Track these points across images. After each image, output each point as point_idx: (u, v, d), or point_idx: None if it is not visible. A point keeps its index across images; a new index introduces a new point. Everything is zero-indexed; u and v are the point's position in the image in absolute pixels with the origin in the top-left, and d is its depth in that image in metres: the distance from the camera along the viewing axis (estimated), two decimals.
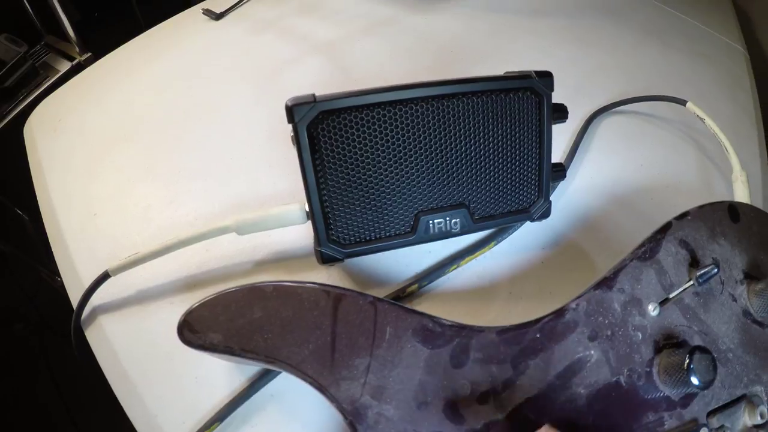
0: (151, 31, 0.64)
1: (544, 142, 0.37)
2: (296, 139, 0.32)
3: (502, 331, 0.31)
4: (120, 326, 0.34)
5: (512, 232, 0.40)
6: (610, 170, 0.46)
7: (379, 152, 0.33)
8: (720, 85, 0.55)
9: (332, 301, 0.30)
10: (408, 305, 0.35)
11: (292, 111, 0.31)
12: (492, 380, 0.29)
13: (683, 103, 0.49)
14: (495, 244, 0.39)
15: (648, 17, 0.66)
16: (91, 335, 0.34)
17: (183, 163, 0.44)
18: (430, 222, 0.35)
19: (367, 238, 0.35)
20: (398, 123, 0.33)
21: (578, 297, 0.32)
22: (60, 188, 0.43)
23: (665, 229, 0.35)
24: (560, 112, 0.38)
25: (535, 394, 0.30)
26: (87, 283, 0.35)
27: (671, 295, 0.34)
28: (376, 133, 0.33)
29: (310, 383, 0.28)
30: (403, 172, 0.34)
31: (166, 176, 0.43)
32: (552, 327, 0.31)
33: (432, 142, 0.34)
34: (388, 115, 0.33)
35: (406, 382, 0.29)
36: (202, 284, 0.35)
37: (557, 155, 0.46)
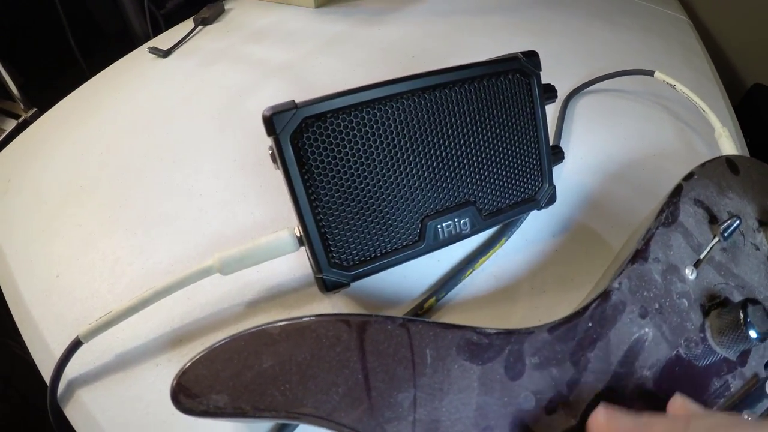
0: (96, 77, 0.56)
1: (539, 124, 0.33)
2: (278, 154, 0.26)
3: (553, 327, 0.26)
4: (103, 398, 0.27)
5: (520, 225, 0.35)
6: (597, 148, 0.43)
7: (374, 156, 0.28)
8: (674, 54, 0.55)
9: (356, 332, 0.24)
10: None
11: (272, 121, 0.26)
12: (555, 384, 0.24)
13: (651, 73, 0.47)
14: (506, 240, 0.34)
15: (590, 2, 0.66)
16: (71, 412, 0.27)
17: (149, 208, 0.38)
18: (438, 226, 0.30)
19: (373, 254, 0.29)
20: (391, 121, 0.28)
21: (618, 275, 0.28)
22: (16, 253, 0.36)
23: (677, 192, 0.32)
24: (550, 92, 0.34)
25: (602, 389, 0.25)
26: (58, 353, 0.28)
27: (702, 255, 0.30)
28: (369, 134, 0.28)
29: None
30: (403, 175, 0.29)
31: (132, 225, 0.36)
32: (602, 312, 0.26)
33: (429, 138, 0.29)
34: (378, 113, 0.28)
35: (462, 410, 0.23)
36: (189, 338, 0.29)
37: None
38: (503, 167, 0.32)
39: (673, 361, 0.26)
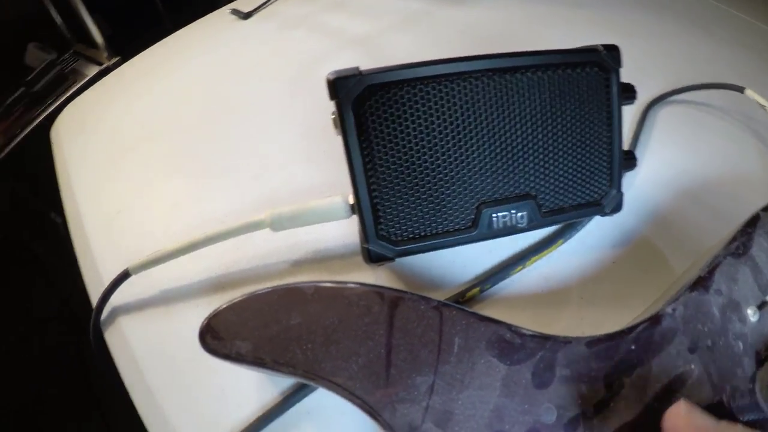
0: (178, 32, 0.58)
1: (614, 124, 0.30)
2: (340, 119, 0.26)
3: (593, 342, 0.24)
4: (141, 329, 0.28)
5: (580, 229, 0.33)
6: (674, 162, 0.39)
7: (436, 133, 0.27)
8: None
9: (387, 306, 0.23)
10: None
11: (336, 85, 0.25)
12: (582, 403, 0.23)
13: (741, 90, 0.42)
14: (563, 242, 0.32)
15: (689, 8, 0.59)
16: (111, 337, 0.29)
17: (213, 160, 0.39)
18: (494, 215, 0.29)
19: (422, 233, 0.28)
20: (458, 99, 0.27)
21: (673, 300, 0.25)
22: (84, 187, 0.38)
23: (754, 222, 0.29)
24: (629, 92, 0.31)
25: (630, 421, 0.23)
26: (108, 281, 0.29)
27: (766, 298, 0.27)
28: (433, 110, 0.27)
29: (359, 405, 0.22)
30: (464, 156, 0.27)
31: (195, 173, 0.38)
32: (648, 336, 0.24)
33: (495, 122, 0.28)
34: (445, 89, 0.27)
35: (478, 407, 0.22)
36: (232, 286, 0.29)
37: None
38: (570, 164, 0.30)
39: (713, 408, 0.23)
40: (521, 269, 0.31)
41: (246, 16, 0.58)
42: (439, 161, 0.27)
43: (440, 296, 0.29)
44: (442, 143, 0.27)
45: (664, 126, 0.42)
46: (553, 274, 0.31)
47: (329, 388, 0.22)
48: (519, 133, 0.28)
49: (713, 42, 0.53)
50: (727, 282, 0.26)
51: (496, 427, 0.22)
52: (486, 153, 0.28)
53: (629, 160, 0.32)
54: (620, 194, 0.31)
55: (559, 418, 0.22)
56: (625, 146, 0.39)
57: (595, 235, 0.33)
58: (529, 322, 0.29)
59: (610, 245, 0.33)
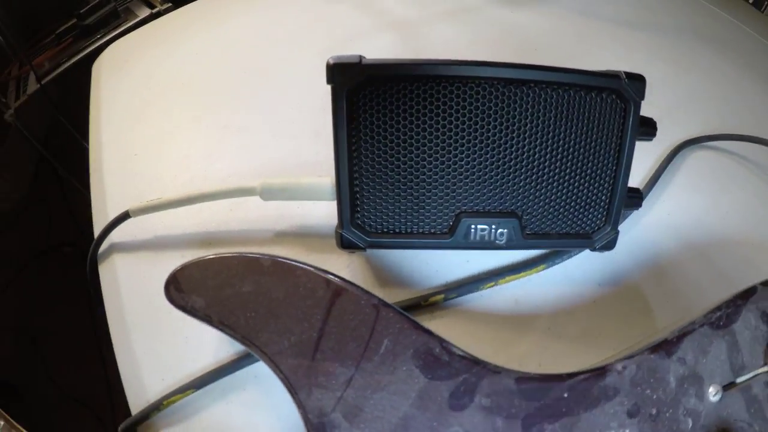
0: None
1: (623, 159, 0.28)
2: (333, 104, 0.26)
3: (524, 378, 0.23)
4: (130, 267, 0.31)
5: (567, 258, 0.31)
6: (691, 211, 0.36)
7: (427, 133, 0.26)
8: None
9: (331, 293, 0.24)
10: (425, 317, 0.29)
11: (334, 70, 0.25)
12: None
13: None
14: (545, 268, 0.31)
15: (753, 52, 0.52)
16: (103, 270, 0.31)
17: (230, 119, 0.40)
18: (473, 226, 0.28)
19: (397, 230, 0.28)
20: (456, 103, 0.26)
21: (628, 357, 0.24)
22: (110, 125, 0.41)
23: (748, 294, 0.26)
24: (648, 127, 0.29)
25: None
26: (112, 217, 0.31)
27: (739, 380, 0.25)
28: (427, 110, 0.26)
29: (281, 379, 0.23)
30: (451, 162, 0.27)
31: (210, 129, 0.39)
32: (586, 388, 0.23)
33: (492, 133, 0.27)
34: (445, 92, 0.26)
35: (388, 411, 0.22)
36: (218, 243, 0.31)
37: (634, 181, 0.37)
38: (564, 190, 0.28)
39: None
40: (493, 285, 0.30)
41: None
42: (424, 162, 0.27)
43: (404, 295, 0.29)
44: (431, 145, 0.27)
45: (691, 170, 0.38)
46: (525, 297, 0.30)
47: (260, 356, 0.23)
48: (514, 148, 0.27)
49: None
50: (694, 352, 0.25)
51: None
52: (475, 163, 0.27)
53: (634, 199, 0.30)
54: (615, 232, 0.29)
55: None
56: (641, 184, 0.36)
57: (583, 268, 0.31)
58: (487, 340, 0.28)
59: (596, 282, 0.31)
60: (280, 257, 0.25)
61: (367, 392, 0.22)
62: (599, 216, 0.29)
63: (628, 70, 0.38)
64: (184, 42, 0.49)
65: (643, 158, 0.38)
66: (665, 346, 0.24)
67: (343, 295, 0.24)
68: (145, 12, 0.93)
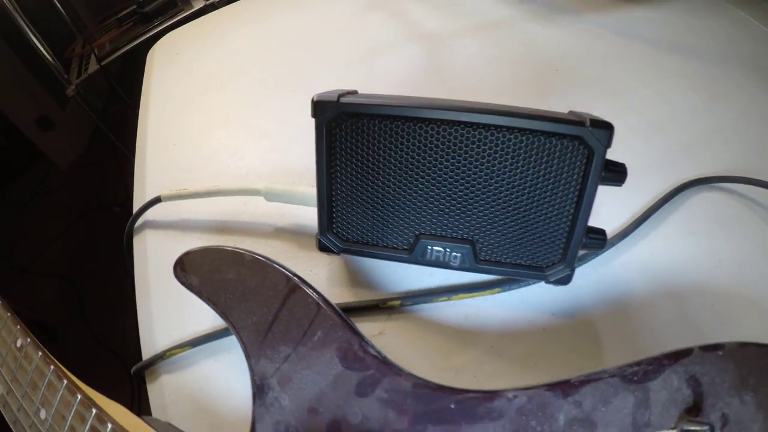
0: None
1: (584, 203, 0.29)
2: (316, 133, 0.31)
3: (421, 384, 0.27)
4: (157, 242, 0.39)
5: (524, 286, 0.33)
6: (678, 255, 0.35)
7: (391, 164, 0.31)
8: None
9: (288, 288, 0.30)
10: (383, 317, 0.34)
11: (316, 107, 0.30)
12: (383, 424, 0.27)
13: None
14: (499, 291, 0.33)
15: None
16: (137, 242, 0.40)
17: (258, 120, 0.46)
18: (429, 247, 0.32)
19: (365, 241, 0.33)
20: (418, 141, 0.30)
21: (524, 388, 0.26)
22: (156, 114, 0.48)
23: (680, 355, 0.27)
24: (615, 173, 0.29)
25: None
26: (150, 197, 0.40)
27: None
28: (392, 146, 0.30)
29: (242, 348, 0.30)
30: (412, 191, 0.31)
31: (240, 128, 0.46)
32: (472, 406, 0.26)
33: (449, 169, 0.30)
34: (407, 131, 0.30)
35: (309, 385, 0.28)
36: (228, 231, 0.38)
37: (624, 217, 0.37)
38: (519, 226, 0.30)
39: None
40: (446, 300, 0.33)
41: None
42: (389, 187, 0.31)
43: (369, 295, 0.34)
44: (396, 175, 0.31)
45: (693, 211, 0.37)
46: (476, 316, 0.33)
47: (230, 328, 0.30)
48: (471, 183, 0.30)
49: None
50: (594, 400, 0.26)
51: (313, 404, 0.28)
52: (434, 193, 0.31)
53: (595, 240, 0.31)
54: (570, 269, 0.31)
55: (360, 424, 0.27)
56: (630, 220, 0.36)
57: (539, 297, 0.33)
58: (431, 347, 0.32)
59: (550, 311, 0.33)
60: (258, 255, 0.31)
61: (297, 368, 0.28)
62: (555, 252, 0.31)
63: (650, 96, 0.37)
64: (225, 40, 0.56)
65: (641, 192, 0.37)
66: (564, 387, 0.26)
67: (297, 291, 0.30)
68: (200, 2, 0.97)
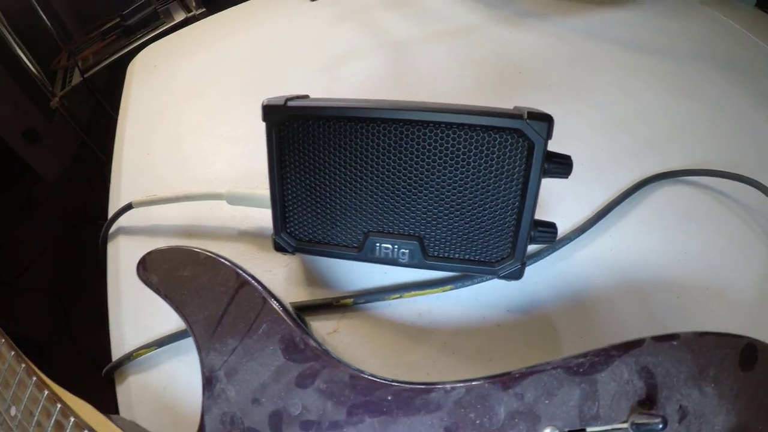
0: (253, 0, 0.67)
1: (529, 196, 0.29)
2: (267, 137, 0.32)
3: (357, 375, 0.27)
4: (129, 247, 0.40)
5: (476, 282, 0.33)
6: (642, 249, 0.34)
7: (338, 164, 0.32)
8: None
9: (237, 284, 0.31)
10: (337, 315, 0.34)
11: (265, 111, 0.32)
12: (322, 414, 0.27)
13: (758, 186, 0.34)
14: (451, 288, 0.33)
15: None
16: (110, 247, 0.41)
17: (229, 128, 0.48)
18: (378, 244, 0.32)
19: (318, 240, 0.34)
20: (362, 141, 0.31)
21: (462, 381, 0.26)
22: (133, 123, 0.50)
23: (631, 346, 0.26)
24: (559, 165, 0.29)
25: None
26: (123, 203, 0.41)
27: (589, 429, 0.24)
28: (337, 146, 0.31)
29: (194, 342, 0.30)
30: (359, 190, 0.32)
31: (212, 136, 0.47)
32: (409, 398, 0.26)
33: (394, 167, 0.31)
34: (351, 131, 0.31)
35: (253, 377, 0.28)
36: (195, 235, 0.39)
37: (585, 212, 0.36)
38: (465, 221, 0.31)
39: None
40: (398, 297, 0.33)
41: None
42: (336, 188, 0.32)
43: (323, 294, 0.35)
44: (342, 174, 0.31)
45: (654, 205, 0.36)
46: (429, 312, 0.33)
47: (184, 323, 0.31)
48: (415, 180, 0.30)
49: None
50: (536, 392, 0.25)
51: (257, 395, 0.28)
52: (381, 191, 0.31)
53: (545, 234, 0.31)
54: (520, 264, 0.30)
55: (300, 415, 0.27)
56: (591, 214, 0.35)
57: (494, 294, 0.33)
58: (385, 346, 0.32)
59: (505, 308, 0.32)
60: (212, 253, 0.32)
61: (243, 360, 0.29)
62: (504, 247, 0.31)
63: (617, 95, 0.37)
64: (202, 52, 0.58)
65: (606, 187, 0.37)
66: (504, 379, 0.26)
67: (245, 286, 0.30)
68: (181, 15, 1.00)
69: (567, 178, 0.30)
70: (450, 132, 0.29)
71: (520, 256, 0.30)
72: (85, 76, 1.00)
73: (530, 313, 0.32)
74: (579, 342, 0.30)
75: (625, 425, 0.24)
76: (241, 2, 0.67)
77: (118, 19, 1.07)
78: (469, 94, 0.47)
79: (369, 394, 0.26)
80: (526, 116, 0.28)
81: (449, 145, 0.29)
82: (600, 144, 0.39)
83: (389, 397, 0.26)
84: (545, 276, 0.33)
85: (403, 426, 0.26)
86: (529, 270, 0.33)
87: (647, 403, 0.24)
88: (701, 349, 0.25)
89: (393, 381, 0.26)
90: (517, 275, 0.31)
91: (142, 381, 0.34)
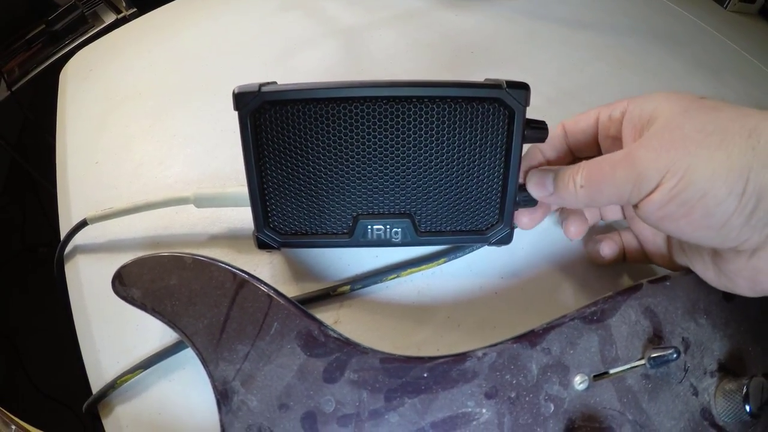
0: None
1: (512, 162, 0.31)
2: (240, 127, 0.30)
3: (387, 359, 0.27)
4: (90, 267, 0.37)
5: (468, 252, 0.35)
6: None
7: (320, 148, 0.31)
8: None
9: (236, 285, 0.29)
10: (335, 305, 0.33)
11: (237, 98, 0.30)
12: (359, 405, 0.26)
13: None
14: (445, 261, 0.35)
15: (705, 48, 0.52)
16: (68, 270, 0.37)
17: (180, 128, 0.45)
18: (369, 227, 0.32)
19: (304, 231, 0.33)
20: (343, 121, 0.31)
21: (492, 345, 0.27)
22: (75, 133, 0.46)
23: (632, 290, 0.28)
24: (537, 130, 0.31)
25: None
26: (75, 222, 0.37)
27: (612, 371, 0.26)
28: (319, 128, 0.31)
29: (197, 355, 0.28)
30: (344, 172, 0.31)
31: (163, 138, 0.44)
32: (445, 371, 0.27)
33: (379, 145, 0.31)
34: (332, 111, 0.30)
35: (275, 380, 0.27)
36: (163, 245, 0.37)
37: None
38: (454, 193, 0.32)
39: None
40: (395, 277, 0.34)
41: None
42: (321, 173, 0.31)
43: (317, 286, 0.34)
44: (326, 158, 0.31)
45: None
46: (428, 289, 0.34)
47: (181, 336, 0.29)
48: (402, 157, 0.31)
49: (718, 89, 0.47)
50: (561, 345, 0.27)
51: (283, 399, 0.27)
52: (367, 171, 0.31)
53: (529, 198, 0.32)
54: (509, 229, 0.32)
55: (336, 411, 0.26)
56: None
57: (485, 262, 0.35)
58: (388, 329, 0.32)
59: (498, 275, 0.34)
60: (198, 255, 0.29)
61: (259, 364, 0.27)
62: (492, 214, 0.32)
63: (564, 68, 0.38)
64: (140, 52, 0.54)
65: None
66: (530, 337, 0.27)
67: (245, 286, 0.29)
68: (111, 17, 0.94)
69: (544, 142, 0.31)
70: (434, 106, 0.30)
71: (508, 221, 0.32)
72: (13, 89, 0.88)
73: (522, 276, 0.34)
74: (574, 297, 0.33)
75: (643, 361, 0.26)
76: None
77: (44, 26, 0.95)
78: (426, 75, 0.48)
79: (405, 374, 0.26)
80: (505, 85, 0.30)
81: (433, 119, 0.30)
82: (556, 115, 0.40)
83: (425, 375, 0.26)
84: (529, 240, 0.35)
85: (444, 400, 0.26)
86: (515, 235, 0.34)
87: (655, 339, 0.27)
88: (690, 285, 0.28)
89: (426, 357, 0.26)
90: (507, 240, 0.32)
91: (132, 409, 0.31)
